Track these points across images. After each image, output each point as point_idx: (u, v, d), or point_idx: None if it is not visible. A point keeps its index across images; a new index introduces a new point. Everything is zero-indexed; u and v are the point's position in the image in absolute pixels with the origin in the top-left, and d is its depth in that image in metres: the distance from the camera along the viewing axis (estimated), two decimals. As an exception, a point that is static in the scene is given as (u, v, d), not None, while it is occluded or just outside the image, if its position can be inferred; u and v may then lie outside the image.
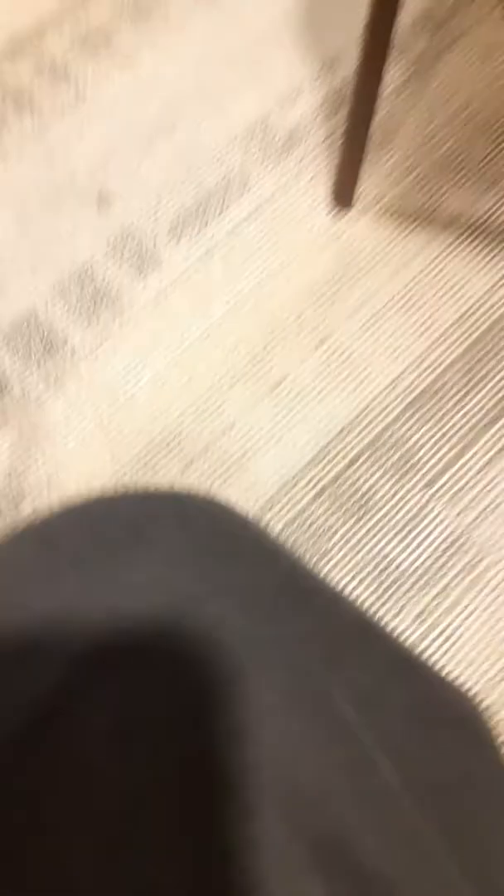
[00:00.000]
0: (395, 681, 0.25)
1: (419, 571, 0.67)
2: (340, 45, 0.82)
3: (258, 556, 0.27)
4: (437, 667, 0.64)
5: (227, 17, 0.85)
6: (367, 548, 0.68)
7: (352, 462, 0.70)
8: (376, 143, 0.79)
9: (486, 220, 0.76)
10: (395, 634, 0.64)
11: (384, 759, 0.21)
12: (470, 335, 0.74)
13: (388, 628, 0.64)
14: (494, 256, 0.75)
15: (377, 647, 0.26)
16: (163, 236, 0.77)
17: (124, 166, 0.80)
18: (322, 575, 0.29)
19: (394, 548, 0.68)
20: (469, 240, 0.76)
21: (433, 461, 0.70)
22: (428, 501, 0.69)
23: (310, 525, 0.68)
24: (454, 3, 0.84)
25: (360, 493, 0.69)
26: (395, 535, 0.68)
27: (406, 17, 0.83)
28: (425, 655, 0.65)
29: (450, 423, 0.71)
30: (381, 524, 0.69)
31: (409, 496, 0.69)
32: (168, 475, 0.70)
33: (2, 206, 0.78)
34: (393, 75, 0.81)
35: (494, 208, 0.77)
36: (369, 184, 0.78)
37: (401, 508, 0.69)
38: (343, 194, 0.74)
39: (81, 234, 0.77)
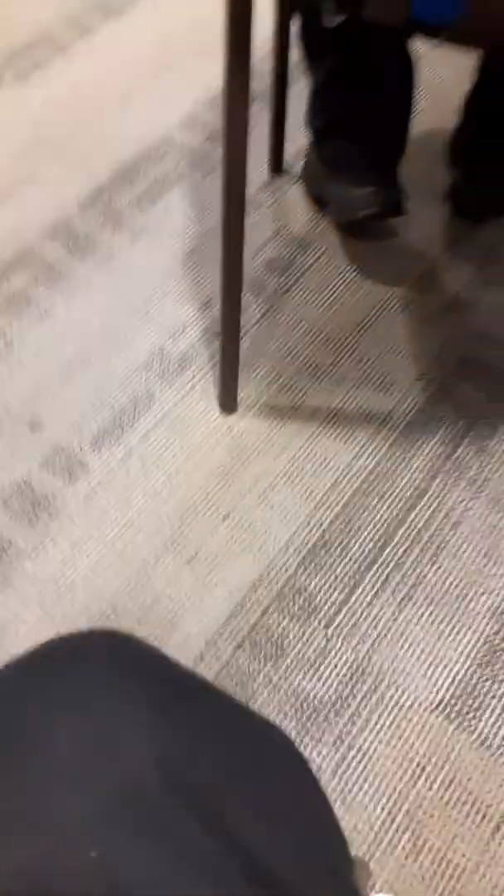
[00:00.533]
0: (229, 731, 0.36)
1: (331, 701, 0.77)
2: (212, 290, 1.04)
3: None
4: (357, 783, 0.73)
5: (122, 274, 1.06)
6: (285, 686, 0.77)
7: (263, 612, 0.81)
8: (247, 362, 0.98)
9: (340, 410, 0.95)
10: (319, 760, 0.73)
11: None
12: (343, 496, 0.89)
13: (313, 756, 0.73)
14: (350, 435, 0.93)
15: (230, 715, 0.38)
16: (87, 448, 0.91)
17: (50, 396, 0.95)
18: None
19: (308, 683, 0.78)
20: (330, 425, 0.94)
21: (328, 603, 0.82)
22: (329, 638, 0.80)
23: (235, 672, 0.78)
24: (293, 251, 1.08)
25: (273, 638, 0.80)
26: (307, 671, 0.78)
27: (258, 265, 1.06)
28: (346, 775, 0.73)
29: (338, 569, 0.84)
30: (294, 663, 0.79)
31: (313, 635, 0.80)
32: (109, 647, 0.78)
33: None
34: (254, 310, 1.02)
35: (344, 401, 0.96)
36: (247, 391, 0.96)
37: (308, 647, 0.79)
38: (228, 402, 0.92)
39: (18, 453, 0.90)
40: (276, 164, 1.15)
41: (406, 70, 0.97)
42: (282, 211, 1.13)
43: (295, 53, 1.03)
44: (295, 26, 1.00)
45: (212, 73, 1.31)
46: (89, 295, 1.03)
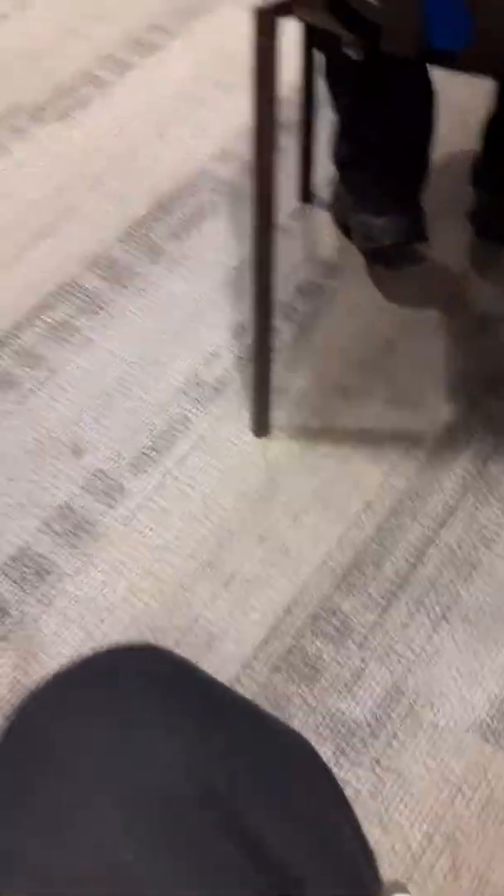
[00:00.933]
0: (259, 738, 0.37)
1: (367, 722, 0.75)
2: (245, 316, 1.03)
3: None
4: (394, 805, 0.70)
5: (159, 303, 1.06)
6: (321, 708, 0.76)
7: (298, 635, 0.80)
8: (279, 385, 0.97)
9: (370, 430, 0.93)
10: (356, 782, 0.71)
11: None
12: (375, 516, 0.87)
13: (350, 778, 0.71)
14: (381, 455, 0.91)
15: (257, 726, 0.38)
16: (126, 472, 0.91)
17: (91, 422, 0.95)
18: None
19: (343, 704, 0.76)
20: (361, 445, 0.92)
21: (363, 624, 0.80)
22: (364, 659, 0.78)
23: (271, 694, 0.76)
24: (323, 276, 1.07)
25: (308, 660, 0.78)
26: (343, 693, 0.76)
27: (289, 290, 1.06)
28: (383, 797, 0.71)
29: (371, 590, 0.82)
30: (329, 685, 0.77)
31: (348, 657, 0.78)
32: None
33: (-6, 463, 0.92)
34: (285, 334, 1.01)
35: (375, 421, 0.94)
36: (279, 414, 0.95)
37: (344, 668, 0.78)
38: (261, 426, 0.91)
39: (61, 478, 0.91)
40: (305, 192, 1.14)
41: (426, 98, 0.96)
42: (311, 237, 1.12)
43: (321, 85, 1.02)
44: (319, 62, 0.99)
45: (243, 105, 1.31)
46: (128, 324, 1.04)
